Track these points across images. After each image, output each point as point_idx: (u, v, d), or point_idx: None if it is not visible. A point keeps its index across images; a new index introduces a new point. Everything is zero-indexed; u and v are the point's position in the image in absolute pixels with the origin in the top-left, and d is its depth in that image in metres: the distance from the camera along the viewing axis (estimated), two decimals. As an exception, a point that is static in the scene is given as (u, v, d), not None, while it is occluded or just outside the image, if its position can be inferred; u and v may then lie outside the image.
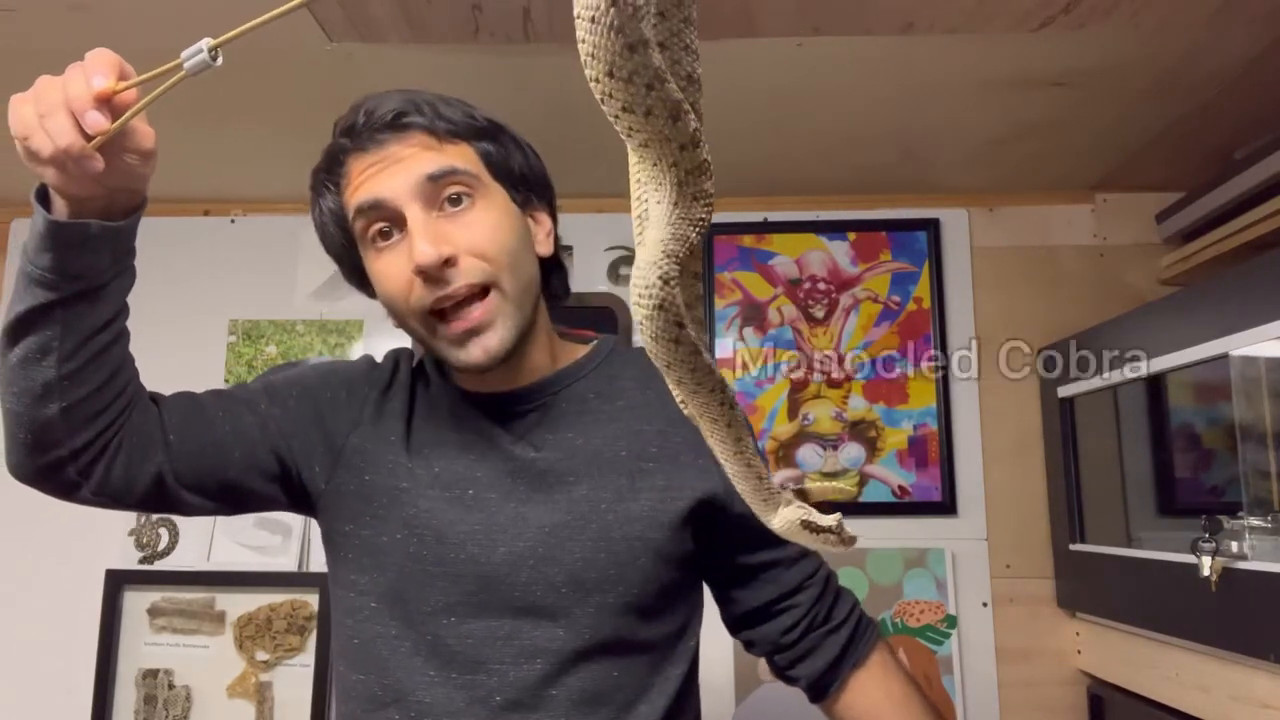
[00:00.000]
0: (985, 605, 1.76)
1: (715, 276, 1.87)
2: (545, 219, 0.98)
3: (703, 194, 0.45)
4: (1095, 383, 1.58)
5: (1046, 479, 1.78)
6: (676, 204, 0.45)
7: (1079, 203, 1.88)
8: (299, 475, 0.95)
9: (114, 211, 0.77)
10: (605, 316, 1.84)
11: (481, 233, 0.88)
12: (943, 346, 1.83)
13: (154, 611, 1.78)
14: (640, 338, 0.46)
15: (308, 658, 1.75)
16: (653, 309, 0.44)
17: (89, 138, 0.68)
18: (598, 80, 0.40)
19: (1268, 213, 1.44)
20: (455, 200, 0.88)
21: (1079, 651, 1.72)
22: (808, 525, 0.54)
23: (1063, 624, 1.75)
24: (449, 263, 0.86)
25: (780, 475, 1.77)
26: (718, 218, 1.87)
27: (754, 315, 1.86)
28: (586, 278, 1.80)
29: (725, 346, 1.85)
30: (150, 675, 1.76)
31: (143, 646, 1.77)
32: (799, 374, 1.84)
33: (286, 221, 1.92)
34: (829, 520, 0.54)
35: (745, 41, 1.28)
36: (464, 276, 0.86)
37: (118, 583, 1.78)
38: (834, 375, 1.83)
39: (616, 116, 0.42)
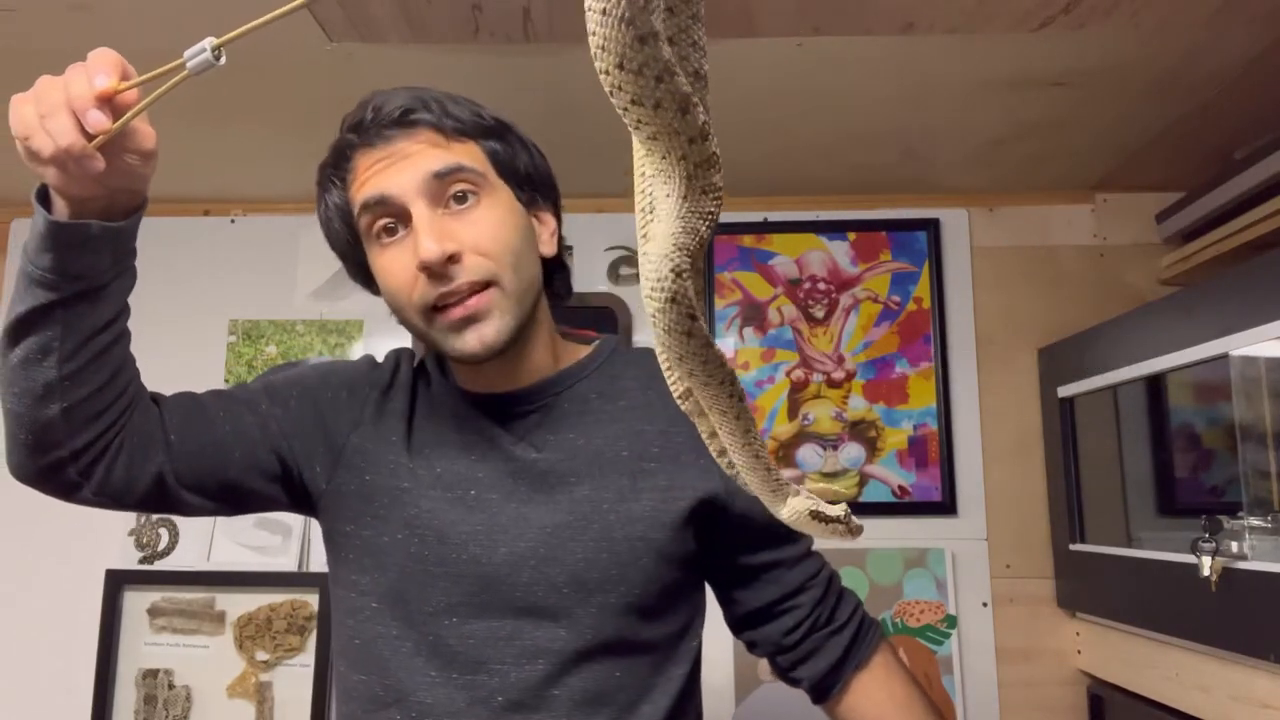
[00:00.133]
0: (985, 605, 1.76)
1: (715, 276, 1.87)
2: (550, 219, 0.98)
3: (712, 187, 0.45)
4: (1095, 383, 1.58)
5: (1046, 479, 1.78)
6: (685, 197, 0.45)
7: (1079, 203, 1.88)
8: (300, 475, 0.95)
9: (115, 212, 0.77)
10: (605, 316, 1.84)
11: (486, 231, 0.88)
12: (943, 346, 1.83)
13: (154, 611, 1.78)
14: (652, 331, 0.47)
15: (308, 658, 1.75)
16: (665, 302, 0.44)
17: (90, 138, 0.68)
18: (607, 72, 0.40)
19: (1268, 213, 1.44)
20: (461, 198, 0.89)
21: (1079, 651, 1.72)
22: (816, 515, 0.54)
23: (1063, 624, 1.75)
24: (453, 259, 0.86)
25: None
26: (718, 218, 1.88)
27: (754, 315, 1.86)
28: (586, 278, 1.80)
29: (725, 346, 1.85)
30: (150, 675, 1.76)
31: (143, 646, 1.77)
32: (799, 374, 1.84)
33: (286, 221, 1.92)
34: (837, 510, 0.55)
35: (745, 41, 1.28)
36: (466, 274, 0.86)
37: (118, 583, 1.78)
38: (834, 375, 1.84)
39: (625, 109, 0.42)
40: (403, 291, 0.89)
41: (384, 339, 1.86)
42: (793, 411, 1.83)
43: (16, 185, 1.36)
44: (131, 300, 0.85)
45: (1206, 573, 1.18)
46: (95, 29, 1.20)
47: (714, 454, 0.56)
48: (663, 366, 0.52)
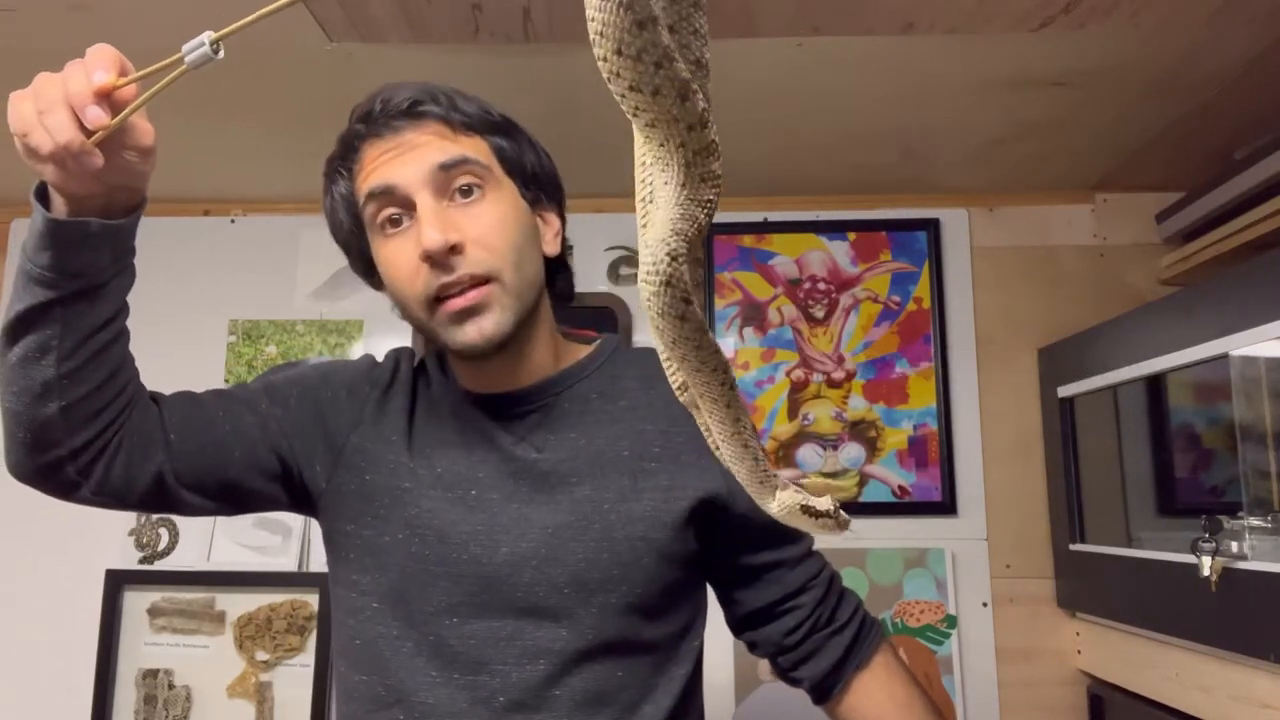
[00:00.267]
0: (985, 605, 1.76)
1: (715, 276, 1.87)
2: (554, 219, 0.98)
3: (710, 175, 0.44)
4: (1095, 383, 1.58)
5: (1046, 479, 1.78)
6: (684, 185, 0.44)
7: (1079, 203, 1.88)
8: (300, 475, 0.95)
9: (114, 209, 0.77)
10: (605, 316, 1.84)
11: (489, 224, 0.88)
12: (943, 346, 1.83)
13: (154, 611, 1.78)
14: (646, 315, 0.46)
15: (308, 658, 1.75)
16: (660, 285, 0.44)
17: (89, 134, 0.68)
18: (605, 59, 0.40)
19: (1268, 213, 1.44)
20: (466, 191, 0.89)
21: (1079, 651, 1.72)
22: (806, 509, 0.54)
23: (1063, 624, 1.75)
24: (455, 250, 0.86)
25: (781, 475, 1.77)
26: (718, 218, 1.87)
27: (754, 315, 1.86)
28: (586, 278, 1.80)
29: (726, 346, 1.85)
30: (150, 675, 1.76)
31: (143, 646, 1.77)
32: (799, 374, 1.84)
33: (286, 221, 1.92)
34: (826, 504, 0.55)
35: (745, 41, 1.28)
36: (467, 266, 0.87)
37: (118, 583, 1.78)
38: (834, 375, 1.84)
39: (623, 95, 0.41)
40: (405, 282, 0.89)
41: (384, 339, 1.86)
42: (793, 411, 1.83)
43: (16, 185, 1.36)
44: (131, 300, 0.85)
45: (1206, 573, 1.18)
46: (95, 29, 1.20)
47: (712, 448, 0.55)
48: (661, 357, 0.52)
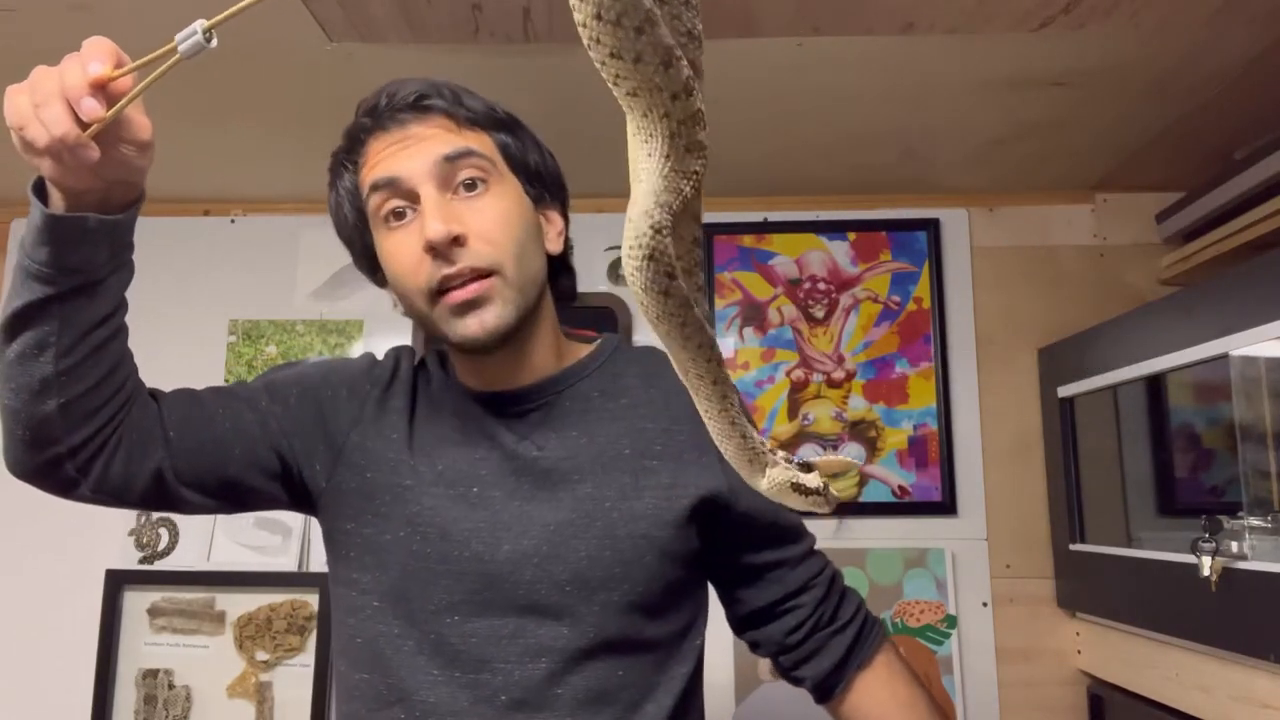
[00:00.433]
0: (985, 605, 1.76)
1: (715, 276, 1.87)
2: (557, 218, 0.98)
3: (696, 145, 0.43)
4: (1095, 383, 1.58)
5: (1046, 479, 1.78)
6: (669, 155, 0.43)
7: (1079, 203, 1.88)
8: (300, 473, 0.95)
9: (111, 205, 0.77)
10: (605, 316, 1.84)
11: (492, 218, 0.89)
12: (943, 346, 1.83)
13: (154, 611, 1.78)
14: (630, 290, 0.45)
15: (308, 658, 1.75)
16: (643, 259, 0.43)
17: (84, 127, 0.67)
18: (585, 24, 0.39)
19: (1268, 213, 1.44)
20: (470, 185, 0.89)
21: (1079, 651, 1.72)
22: (796, 486, 0.53)
23: (1063, 624, 1.75)
24: (458, 241, 0.86)
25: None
26: (718, 218, 1.88)
27: (754, 315, 1.86)
28: (586, 278, 1.80)
29: (726, 346, 1.85)
30: (150, 675, 1.76)
31: (143, 646, 1.77)
32: (799, 374, 1.84)
33: (286, 221, 1.92)
34: (816, 481, 0.53)
35: (745, 41, 1.28)
36: (469, 258, 0.87)
37: (118, 583, 1.78)
38: (834, 375, 1.84)
39: (604, 63, 0.40)
40: (408, 274, 0.89)
41: (384, 339, 1.86)
42: (793, 411, 1.83)
43: (16, 185, 1.36)
44: (131, 301, 0.84)
45: (1206, 573, 1.18)
46: (95, 29, 1.19)
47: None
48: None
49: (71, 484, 0.84)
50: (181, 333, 1.87)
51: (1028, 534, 1.78)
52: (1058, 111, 1.51)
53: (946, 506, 1.78)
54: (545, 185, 0.96)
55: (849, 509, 1.79)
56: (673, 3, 0.44)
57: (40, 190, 0.75)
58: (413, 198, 0.88)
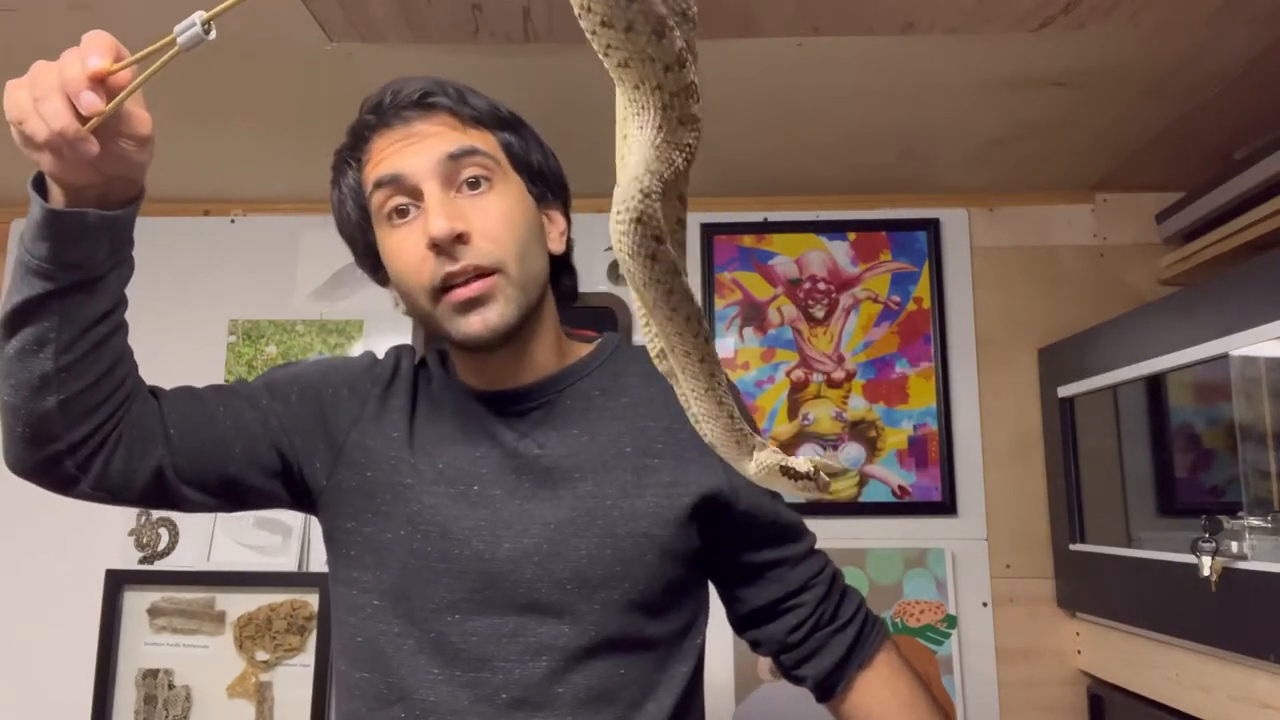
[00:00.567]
0: (985, 605, 1.76)
1: (715, 276, 1.87)
2: (559, 218, 0.99)
3: (689, 118, 0.42)
4: (1095, 383, 1.58)
5: (1046, 479, 1.78)
6: (661, 128, 0.42)
7: (1079, 203, 1.88)
8: (300, 472, 0.95)
9: (111, 200, 0.77)
10: (605, 316, 1.84)
11: (495, 216, 0.89)
12: (943, 346, 1.83)
13: (154, 611, 1.78)
14: (617, 257, 0.44)
15: (308, 658, 1.75)
16: (630, 222, 0.42)
17: (84, 120, 0.67)
18: None
19: (1268, 213, 1.44)
20: (474, 183, 0.89)
21: (1079, 651, 1.72)
22: (785, 471, 0.51)
23: (1063, 624, 1.75)
24: (461, 239, 0.86)
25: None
26: (718, 218, 1.88)
27: (754, 315, 1.86)
28: (586, 278, 1.79)
29: (726, 346, 1.85)
30: (150, 675, 1.76)
31: (143, 646, 1.77)
32: (799, 374, 1.84)
33: (286, 221, 1.92)
34: (806, 465, 0.51)
35: (745, 41, 1.28)
36: (472, 256, 0.87)
37: (118, 583, 1.78)
38: (834, 375, 1.84)
39: (594, 32, 0.39)
40: (411, 271, 0.89)
41: (384, 338, 1.86)
42: (793, 411, 1.83)
43: (16, 186, 1.36)
44: (131, 301, 0.84)
45: (1206, 573, 1.18)
46: (95, 28, 1.20)
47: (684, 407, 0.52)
48: (638, 318, 0.48)
49: (71, 481, 0.84)
50: (181, 333, 1.87)
51: (1028, 534, 1.78)
52: (1058, 111, 1.51)
53: (946, 506, 1.78)
54: (548, 185, 0.96)
55: (849, 509, 1.79)
56: None
57: (40, 186, 0.75)
58: (416, 195, 0.88)
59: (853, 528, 1.78)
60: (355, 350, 1.88)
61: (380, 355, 1.02)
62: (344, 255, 1.00)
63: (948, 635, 1.74)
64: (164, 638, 1.77)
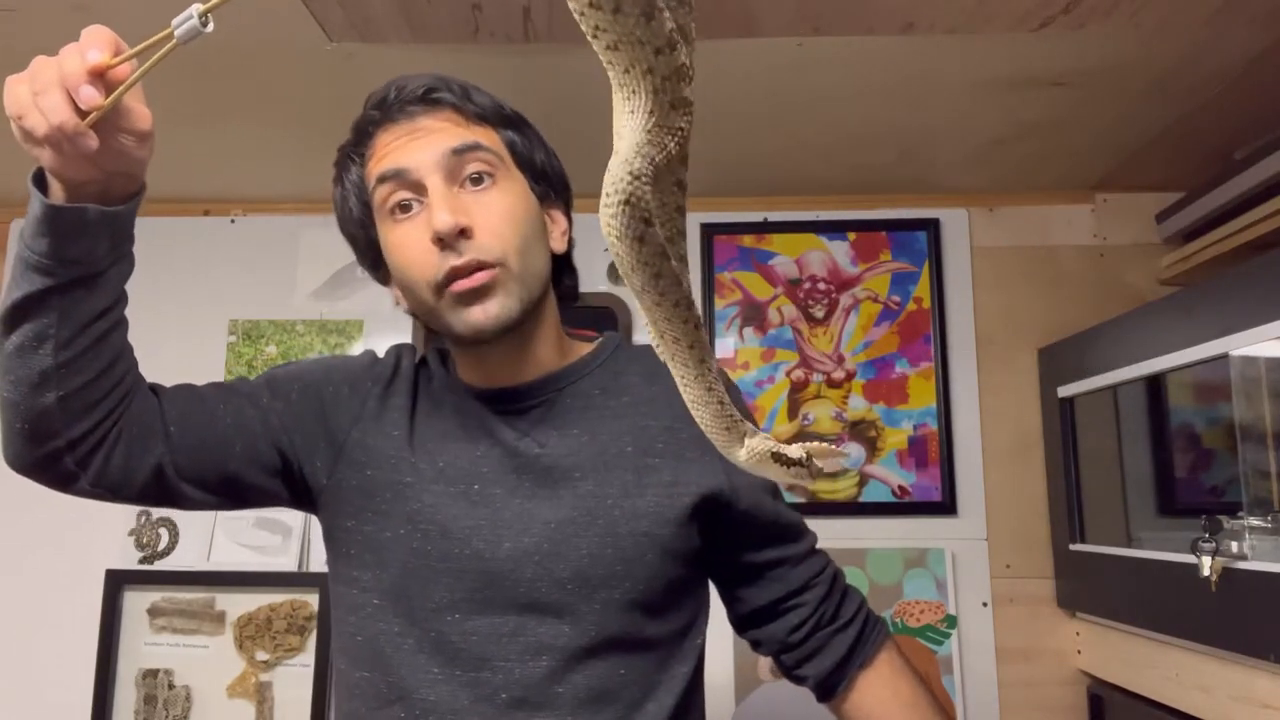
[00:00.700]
0: (985, 605, 1.76)
1: (715, 276, 1.87)
2: (561, 218, 0.99)
3: (682, 102, 0.41)
4: (1095, 383, 1.58)
5: (1046, 479, 1.78)
6: (652, 112, 0.41)
7: (1079, 203, 1.89)
8: (300, 470, 0.95)
9: (112, 196, 0.76)
10: (605, 316, 1.84)
11: (498, 212, 0.89)
12: (943, 346, 1.83)
13: (154, 611, 1.78)
14: (606, 240, 0.43)
15: (308, 658, 1.75)
16: (619, 204, 0.41)
17: (83, 115, 0.67)
18: None
19: (1268, 213, 1.44)
20: (477, 179, 0.89)
21: (1079, 651, 1.72)
22: (777, 457, 0.50)
23: (1063, 624, 1.75)
24: (464, 233, 0.86)
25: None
26: (718, 218, 1.88)
27: (754, 315, 1.86)
28: (586, 278, 1.78)
29: (726, 346, 1.85)
30: (150, 675, 1.76)
31: (143, 646, 1.77)
32: (799, 374, 1.84)
33: (286, 221, 1.92)
34: (799, 452, 0.51)
35: (745, 41, 1.28)
36: (475, 251, 0.87)
37: (118, 583, 1.78)
38: (834, 375, 1.84)
39: (582, 14, 0.38)
40: (414, 266, 0.89)
41: (384, 338, 1.86)
42: (793, 411, 1.83)
43: (16, 186, 1.36)
44: (131, 300, 0.84)
45: (1206, 573, 1.18)
46: (95, 28, 1.21)
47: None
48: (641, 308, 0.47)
49: (71, 478, 0.84)
50: (181, 332, 1.87)
51: (1028, 534, 1.78)
52: (1058, 111, 1.51)
53: (946, 506, 1.78)
54: (550, 184, 0.97)
55: (849, 510, 1.79)
56: None
57: (41, 181, 0.75)
58: (420, 190, 0.88)
59: (853, 528, 1.78)
60: (355, 350, 1.88)
61: (381, 354, 1.02)
62: (344, 255, 1.00)
63: (948, 635, 1.74)
64: (164, 638, 1.77)
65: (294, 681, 1.74)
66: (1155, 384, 1.52)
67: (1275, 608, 1.09)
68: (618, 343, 1.02)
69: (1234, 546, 1.16)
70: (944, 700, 1.70)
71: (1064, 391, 1.68)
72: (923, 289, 1.85)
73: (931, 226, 1.87)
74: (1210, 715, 1.27)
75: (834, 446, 0.53)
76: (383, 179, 0.89)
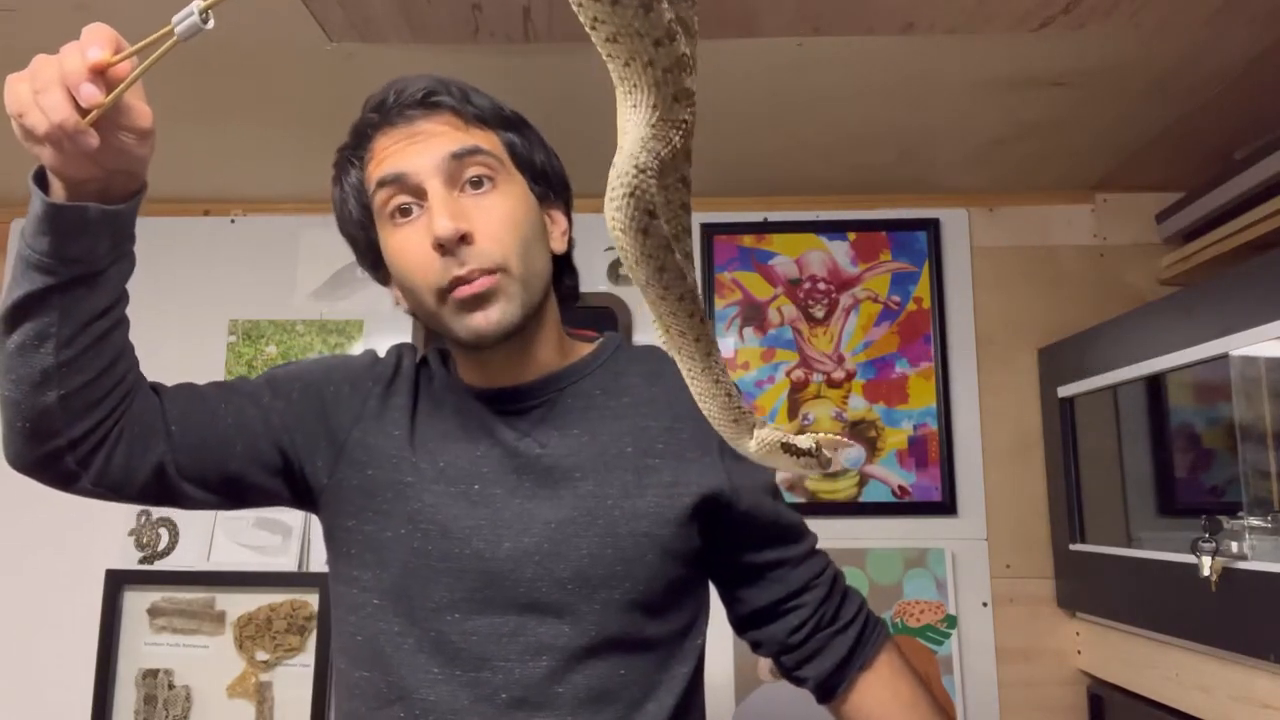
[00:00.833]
0: (985, 605, 1.76)
1: (715, 276, 1.87)
2: (561, 218, 0.99)
3: (684, 93, 0.41)
4: (1095, 383, 1.58)
5: (1046, 479, 1.78)
6: (655, 105, 0.41)
7: (1079, 203, 1.89)
8: (301, 470, 0.95)
9: (112, 195, 0.76)
10: (605, 316, 1.84)
11: (499, 216, 0.89)
12: (943, 346, 1.83)
13: (154, 611, 1.78)
14: (610, 234, 0.43)
15: (308, 658, 1.75)
16: (624, 197, 0.41)
17: (84, 113, 0.67)
18: None
19: (1268, 213, 1.44)
20: (477, 183, 0.89)
21: (1079, 651, 1.72)
22: (786, 448, 0.50)
23: (1063, 624, 1.75)
24: (465, 239, 0.86)
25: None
26: (718, 218, 1.88)
27: (754, 315, 1.86)
28: (586, 278, 1.79)
29: (726, 346, 1.85)
30: (150, 675, 1.76)
31: (143, 646, 1.77)
32: (799, 374, 1.84)
33: (286, 221, 1.92)
34: (808, 442, 0.51)
35: (745, 41, 1.28)
36: (476, 259, 0.87)
37: (118, 583, 1.78)
38: (834, 375, 1.84)
39: (580, 5, 0.38)
40: (416, 271, 0.89)
41: (384, 338, 1.86)
42: (793, 411, 1.83)
43: (17, 186, 1.36)
44: (131, 300, 0.84)
45: (1206, 573, 1.18)
46: (95, 28, 1.21)
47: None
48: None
49: (72, 477, 0.84)
50: (181, 332, 1.87)
51: (1028, 534, 1.78)
52: (1058, 111, 1.51)
53: (946, 506, 1.78)
54: (550, 184, 0.97)
55: (849, 509, 1.79)
56: None
57: (41, 180, 0.75)
58: (419, 194, 0.88)
59: (853, 528, 1.78)
60: (355, 350, 1.88)
61: (381, 354, 1.02)
62: (344, 255, 1.00)
63: (948, 635, 1.74)
64: (164, 638, 1.77)
65: (294, 681, 1.74)
66: (1155, 384, 1.52)
67: (1275, 608, 1.09)
68: (618, 343, 1.02)
69: (1234, 546, 1.17)
70: (944, 701, 1.70)
71: (1064, 391, 1.68)
72: (923, 289, 1.85)
73: (931, 226, 1.87)
74: (1210, 715, 1.27)
75: (842, 438, 0.53)
76: (382, 183, 0.89)
